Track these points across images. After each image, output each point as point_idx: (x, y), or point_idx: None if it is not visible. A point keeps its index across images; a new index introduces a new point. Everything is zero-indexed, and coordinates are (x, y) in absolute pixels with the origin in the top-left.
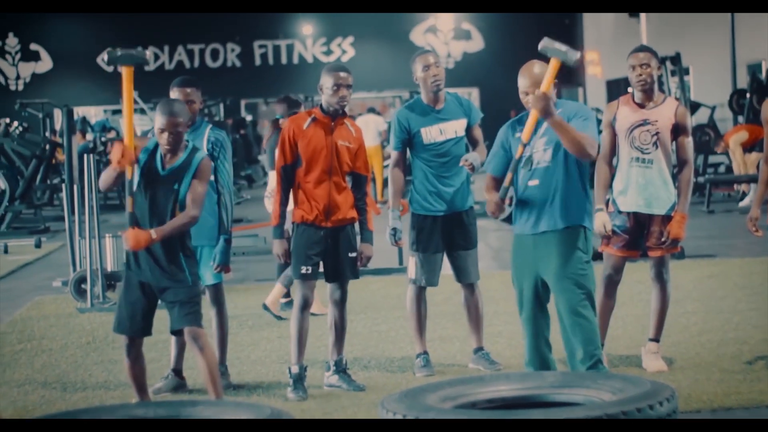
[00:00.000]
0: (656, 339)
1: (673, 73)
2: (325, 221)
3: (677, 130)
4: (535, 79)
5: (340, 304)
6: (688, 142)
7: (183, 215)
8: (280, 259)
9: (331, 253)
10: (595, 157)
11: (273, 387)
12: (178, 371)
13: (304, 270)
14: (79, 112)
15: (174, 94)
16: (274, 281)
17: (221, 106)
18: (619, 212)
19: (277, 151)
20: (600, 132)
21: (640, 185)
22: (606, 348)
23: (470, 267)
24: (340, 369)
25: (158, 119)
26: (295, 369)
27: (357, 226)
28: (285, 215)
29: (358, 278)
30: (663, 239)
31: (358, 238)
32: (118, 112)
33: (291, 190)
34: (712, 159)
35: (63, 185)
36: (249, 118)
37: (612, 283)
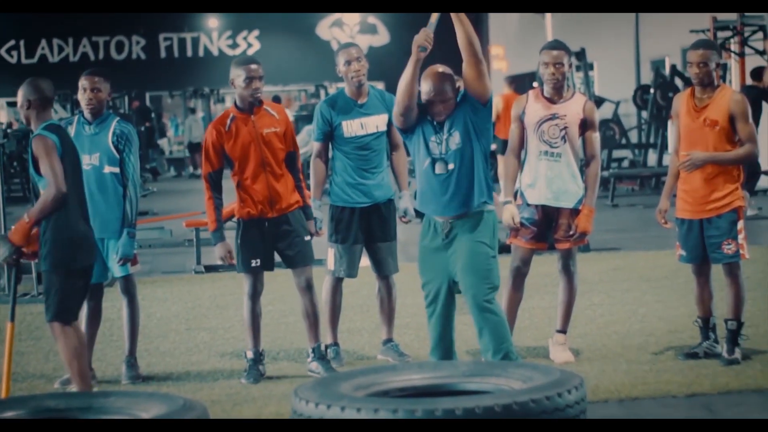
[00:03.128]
0: (563, 330)
1: (578, 69)
2: (270, 212)
3: (585, 125)
4: (440, 87)
5: (307, 290)
6: (596, 137)
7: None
8: (224, 261)
9: (282, 241)
10: (485, 87)
11: (182, 378)
12: None
13: (254, 263)
14: None
15: (82, 82)
16: (181, 273)
17: (126, 98)
18: (528, 205)
19: (201, 159)
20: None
21: (548, 178)
22: (514, 340)
23: (389, 259)
24: (318, 356)
25: None
26: (249, 354)
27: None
28: (221, 219)
29: (312, 261)
30: (571, 232)
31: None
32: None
33: (220, 192)
34: (616, 153)
35: None
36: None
37: (520, 275)
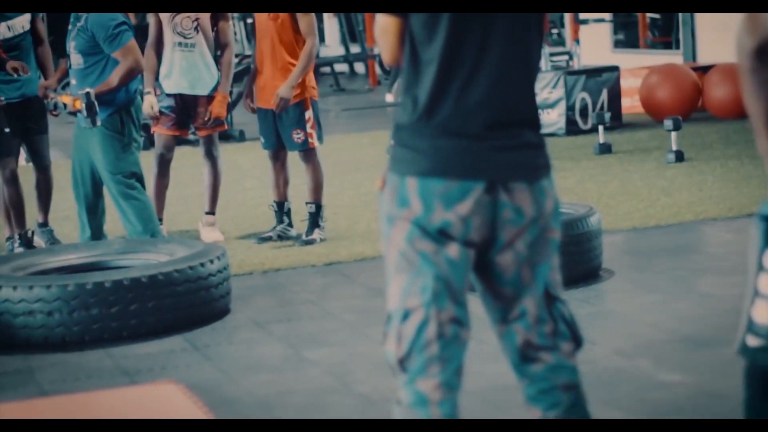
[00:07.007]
0: (212, 212)
1: None
2: None
3: (216, 16)
4: None
5: None
6: (228, 26)
7: None
8: None
9: None
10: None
11: None
12: None
13: None
14: None
15: None
16: None
17: None
18: (167, 95)
19: None
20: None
21: (183, 68)
22: (166, 223)
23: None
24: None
25: None
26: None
27: None
28: None
29: None
30: (207, 118)
31: None
32: None
33: None
34: None
35: None
36: None
37: (164, 161)
